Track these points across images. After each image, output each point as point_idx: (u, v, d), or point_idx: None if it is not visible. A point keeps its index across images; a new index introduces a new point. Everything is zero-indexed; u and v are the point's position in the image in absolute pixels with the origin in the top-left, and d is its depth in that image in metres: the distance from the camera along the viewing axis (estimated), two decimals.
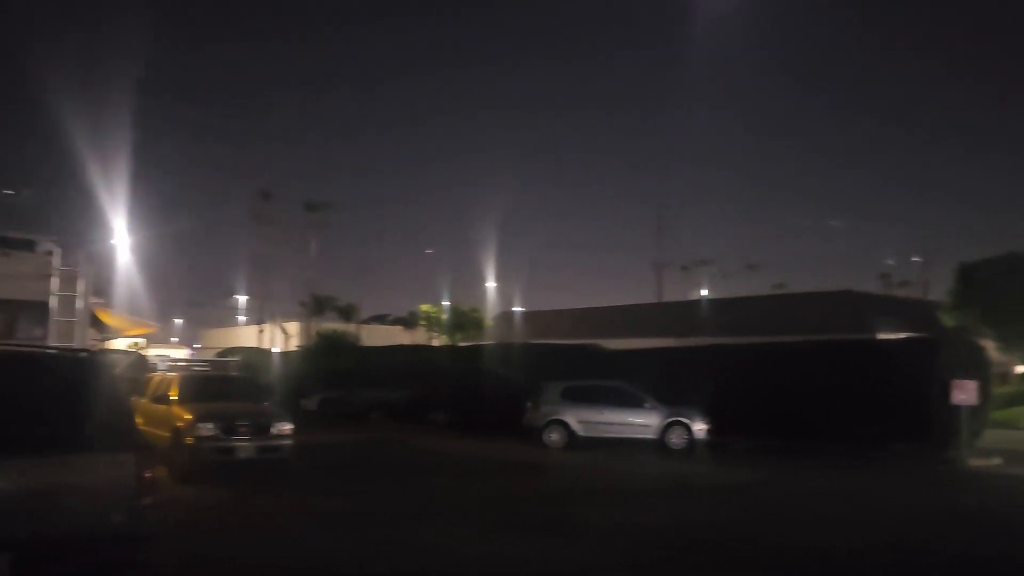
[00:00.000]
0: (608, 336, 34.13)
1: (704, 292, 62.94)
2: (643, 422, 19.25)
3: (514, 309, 57.89)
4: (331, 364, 33.80)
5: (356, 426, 22.98)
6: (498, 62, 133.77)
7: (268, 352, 51.25)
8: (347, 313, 61.74)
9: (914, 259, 63.85)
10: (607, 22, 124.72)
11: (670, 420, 19.09)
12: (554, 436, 19.25)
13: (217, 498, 11.26)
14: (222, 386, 15.69)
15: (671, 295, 62.52)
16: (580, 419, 19.32)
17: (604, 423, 19.32)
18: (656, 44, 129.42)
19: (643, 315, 47.71)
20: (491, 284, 60.40)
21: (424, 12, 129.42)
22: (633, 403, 19.51)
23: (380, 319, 71.93)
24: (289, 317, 62.03)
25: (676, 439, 18.94)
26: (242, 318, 71.96)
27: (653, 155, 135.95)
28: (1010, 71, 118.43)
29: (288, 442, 13.29)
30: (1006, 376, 37.51)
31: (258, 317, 62.43)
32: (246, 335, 62.81)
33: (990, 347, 28.09)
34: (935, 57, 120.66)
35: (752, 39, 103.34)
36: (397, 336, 59.60)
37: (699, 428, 18.98)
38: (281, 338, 58.51)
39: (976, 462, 17.33)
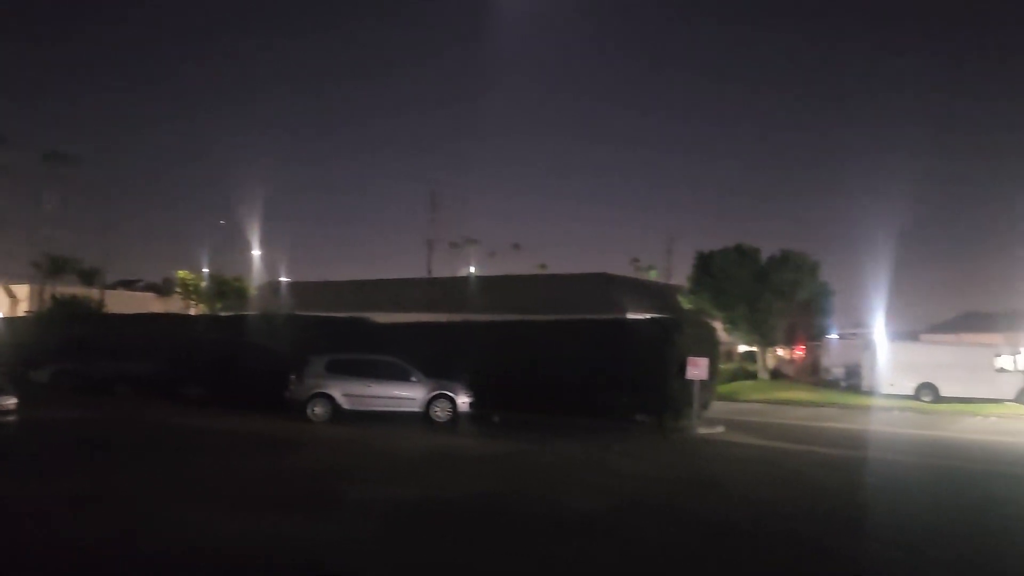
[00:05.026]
0: (377, 310, 34.00)
1: (472, 269, 64.60)
2: (409, 395, 19.47)
3: (280, 279, 55.72)
4: (69, 332, 30.54)
5: (97, 401, 20.94)
6: (278, 28, 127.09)
7: None
8: (89, 276, 56.12)
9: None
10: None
11: (435, 393, 19.48)
12: (318, 409, 18.89)
13: None
14: None
15: (440, 271, 63.56)
16: (345, 392, 19.13)
17: (370, 396, 19.29)
18: (434, 26, 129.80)
19: (412, 290, 48.03)
20: (256, 253, 57.56)
21: None
22: (399, 376, 19.64)
23: (129, 284, 66.03)
24: (19, 279, 55.22)
25: (441, 412, 19.36)
26: None
27: (427, 132, 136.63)
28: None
29: (11, 418, 11.91)
30: (731, 354, 42.44)
31: None
32: None
33: (719, 327, 31.64)
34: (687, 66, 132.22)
35: (518, 34, 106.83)
36: (149, 303, 55.31)
37: (463, 401, 19.56)
38: (7, 302, 51.97)
39: (704, 430, 19.48)
